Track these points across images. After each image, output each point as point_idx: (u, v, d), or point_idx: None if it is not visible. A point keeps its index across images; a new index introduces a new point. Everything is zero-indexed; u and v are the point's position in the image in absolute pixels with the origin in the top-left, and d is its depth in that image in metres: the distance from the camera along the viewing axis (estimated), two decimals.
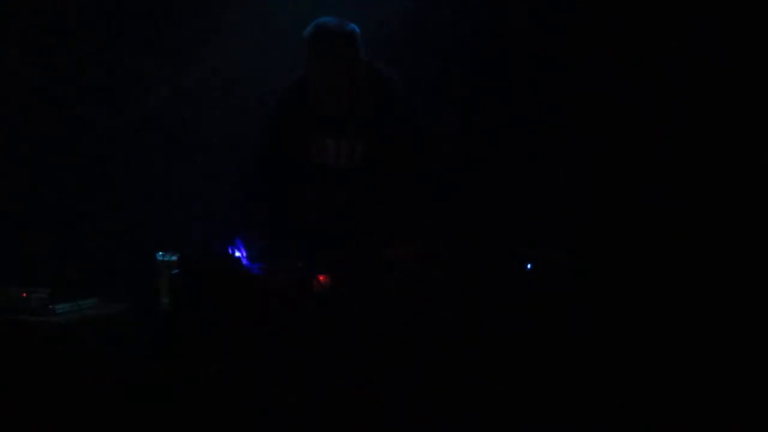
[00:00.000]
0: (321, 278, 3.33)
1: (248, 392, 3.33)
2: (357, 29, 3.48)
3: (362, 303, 3.34)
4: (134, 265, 4.04)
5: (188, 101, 4.46)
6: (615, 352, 3.54)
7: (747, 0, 3.85)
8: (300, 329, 3.32)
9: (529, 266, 3.66)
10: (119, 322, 3.80)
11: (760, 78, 3.84)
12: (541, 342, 3.51)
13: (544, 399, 3.42)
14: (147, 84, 4.49)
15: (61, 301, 3.76)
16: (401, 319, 3.35)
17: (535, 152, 4.09)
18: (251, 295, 3.39)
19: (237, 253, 3.43)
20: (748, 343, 3.56)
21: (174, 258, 3.47)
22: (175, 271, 3.46)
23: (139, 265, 3.86)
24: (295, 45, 3.75)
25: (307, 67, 3.50)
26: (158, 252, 3.48)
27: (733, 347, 3.55)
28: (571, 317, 3.56)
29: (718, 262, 3.79)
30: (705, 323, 3.64)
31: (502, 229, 4.01)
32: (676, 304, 3.71)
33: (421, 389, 3.33)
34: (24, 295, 3.75)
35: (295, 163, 3.61)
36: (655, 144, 3.96)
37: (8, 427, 3.53)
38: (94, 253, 4.37)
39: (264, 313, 3.37)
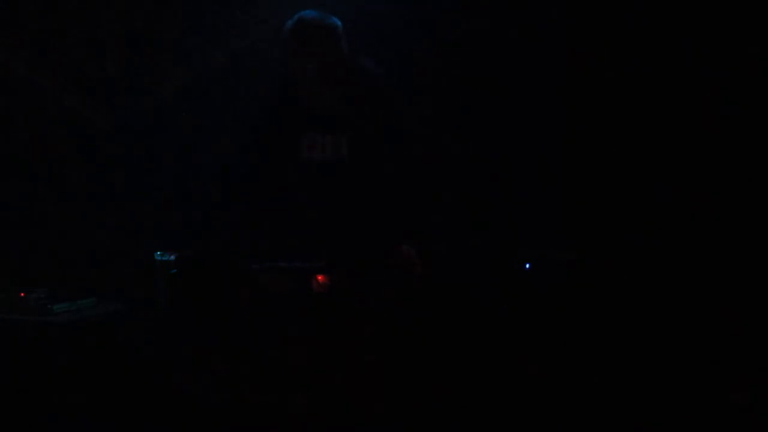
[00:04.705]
0: (320, 278, 3.33)
1: (247, 392, 3.32)
2: (339, 22, 3.51)
3: (362, 303, 3.33)
4: (133, 265, 4.04)
5: (189, 100, 4.45)
6: (614, 352, 3.54)
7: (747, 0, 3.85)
8: (300, 329, 3.32)
9: (527, 266, 3.66)
10: (118, 322, 3.79)
11: (760, 78, 3.84)
12: (541, 342, 3.51)
13: (543, 399, 3.42)
14: (147, 83, 4.49)
15: (60, 300, 3.76)
16: (400, 318, 3.35)
17: (534, 152, 4.08)
18: (251, 295, 3.39)
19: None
20: (748, 342, 3.56)
21: (172, 258, 3.47)
22: (173, 270, 3.45)
23: (137, 265, 3.86)
24: None
25: (289, 59, 3.51)
26: (156, 252, 3.48)
27: (732, 346, 3.55)
28: (570, 317, 3.56)
29: (718, 261, 3.79)
30: (705, 323, 3.64)
31: (502, 228, 4.01)
32: (676, 303, 3.70)
33: (420, 389, 3.33)
34: (22, 294, 3.75)
35: (282, 159, 3.61)
36: (654, 144, 3.96)
37: (7, 427, 3.53)
38: (93, 253, 4.36)
39: (263, 313, 3.37)
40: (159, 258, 3.47)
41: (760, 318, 3.62)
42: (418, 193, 3.56)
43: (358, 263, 3.39)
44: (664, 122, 3.95)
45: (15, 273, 4.15)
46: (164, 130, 4.46)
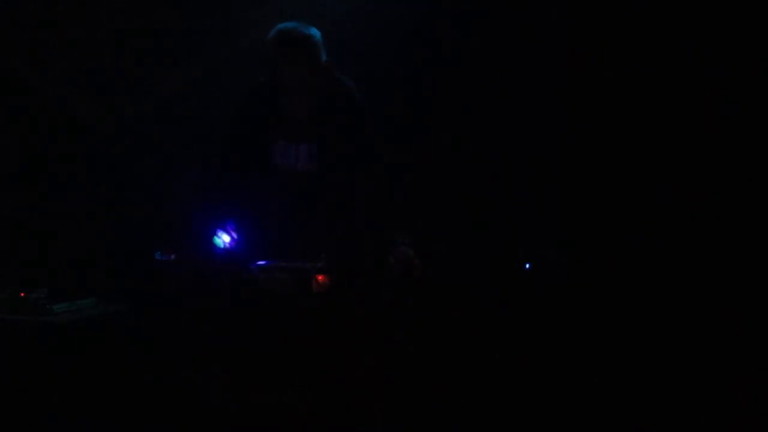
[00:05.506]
0: (320, 278, 3.34)
1: (247, 392, 3.32)
2: (318, 33, 3.52)
3: (362, 303, 3.34)
4: (133, 265, 4.04)
5: (187, 100, 4.46)
6: (614, 352, 3.54)
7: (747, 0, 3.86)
8: (300, 329, 3.32)
9: (527, 266, 3.66)
10: (117, 322, 3.79)
11: (760, 78, 3.84)
12: (540, 341, 3.51)
13: (543, 399, 3.42)
14: (146, 84, 4.49)
15: (60, 300, 3.75)
16: (401, 318, 3.35)
17: (534, 152, 4.09)
18: (250, 295, 3.39)
19: (221, 239, 3.44)
20: (748, 342, 3.56)
21: (172, 258, 3.47)
22: (173, 270, 3.45)
23: (137, 265, 3.86)
24: None
25: (270, 70, 3.53)
26: (156, 252, 3.48)
27: (732, 346, 3.55)
28: (570, 317, 3.56)
29: (717, 261, 3.79)
30: (705, 322, 3.64)
31: (502, 228, 4.01)
32: (675, 303, 3.71)
33: (420, 389, 3.33)
34: (22, 294, 3.74)
35: (256, 166, 3.63)
36: (654, 144, 3.96)
37: (7, 427, 3.53)
38: (93, 253, 4.36)
39: (263, 313, 3.37)
40: (159, 258, 3.47)
41: (760, 318, 3.62)
42: (394, 201, 3.58)
43: (356, 264, 3.40)
44: (663, 122, 3.95)
45: (15, 273, 4.15)
46: (164, 130, 4.47)
